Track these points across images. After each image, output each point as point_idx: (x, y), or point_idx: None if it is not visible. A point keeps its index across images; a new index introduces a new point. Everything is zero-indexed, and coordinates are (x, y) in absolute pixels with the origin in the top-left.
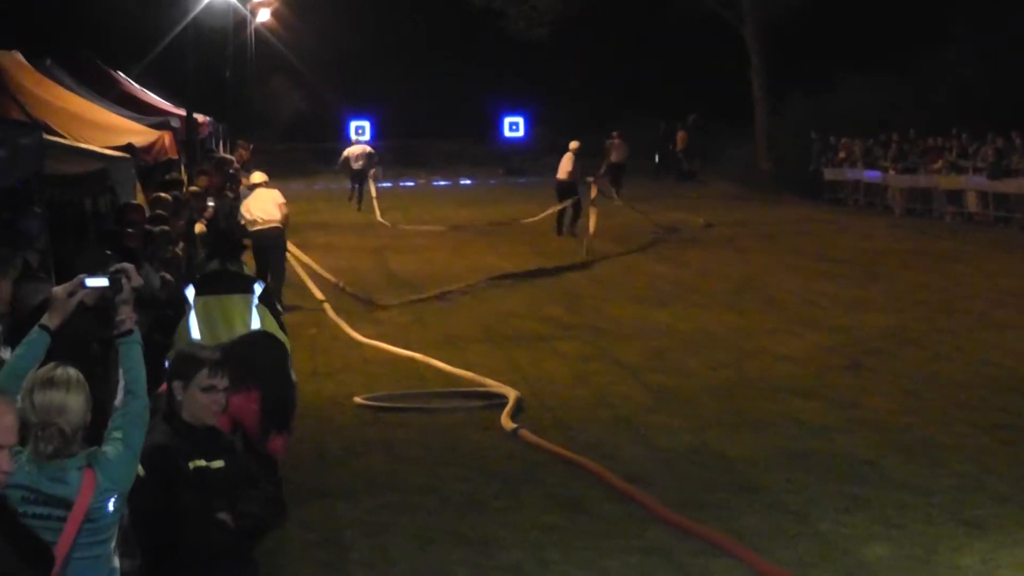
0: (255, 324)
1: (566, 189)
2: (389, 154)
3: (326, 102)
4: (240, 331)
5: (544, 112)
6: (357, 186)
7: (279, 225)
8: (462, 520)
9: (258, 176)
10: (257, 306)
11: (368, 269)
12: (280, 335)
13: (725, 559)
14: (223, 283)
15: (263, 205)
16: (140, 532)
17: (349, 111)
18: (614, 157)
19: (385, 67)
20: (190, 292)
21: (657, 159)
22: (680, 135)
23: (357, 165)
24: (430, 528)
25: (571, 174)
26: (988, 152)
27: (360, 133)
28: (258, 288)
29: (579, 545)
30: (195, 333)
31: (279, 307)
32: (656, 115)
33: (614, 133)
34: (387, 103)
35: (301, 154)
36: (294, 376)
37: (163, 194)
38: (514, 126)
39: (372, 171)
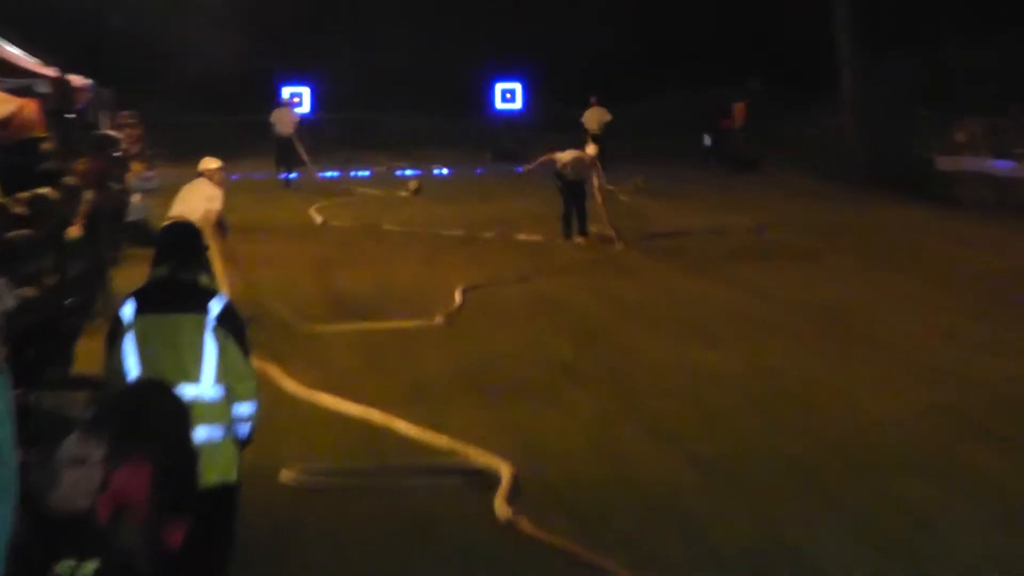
0: (208, 354)
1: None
2: (335, 131)
3: (253, 62)
4: (190, 364)
5: (547, 78)
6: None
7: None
8: None
9: (206, 162)
10: (215, 329)
11: (309, 290)
12: (244, 370)
13: None
14: (170, 298)
15: (185, 196)
16: None
17: (283, 75)
18: (592, 126)
19: (334, 20)
20: (128, 309)
21: (708, 141)
22: (738, 107)
23: (284, 132)
24: None
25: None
26: None
27: (297, 103)
28: (216, 305)
29: None
30: (131, 367)
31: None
32: (703, 81)
33: (592, 99)
34: (334, 65)
35: (216, 129)
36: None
37: (44, 190)
38: (509, 95)
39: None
